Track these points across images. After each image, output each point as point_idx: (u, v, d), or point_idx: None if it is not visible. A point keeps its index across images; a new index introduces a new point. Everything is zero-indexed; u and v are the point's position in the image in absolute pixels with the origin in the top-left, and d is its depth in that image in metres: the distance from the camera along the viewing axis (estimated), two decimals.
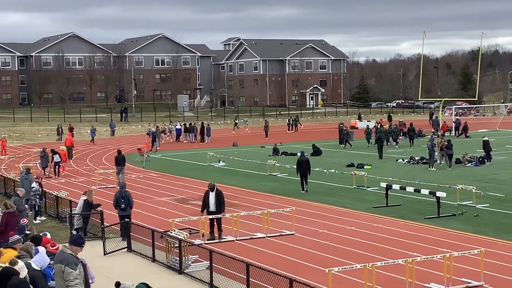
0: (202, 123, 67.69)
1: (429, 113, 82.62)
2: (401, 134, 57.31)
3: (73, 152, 48.74)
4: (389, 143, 52.25)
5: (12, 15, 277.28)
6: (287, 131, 72.45)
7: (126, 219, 21.21)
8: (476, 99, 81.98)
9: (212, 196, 21.82)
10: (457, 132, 61.46)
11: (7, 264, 10.11)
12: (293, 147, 52.09)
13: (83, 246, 11.22)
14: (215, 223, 21.77)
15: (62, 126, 66.96)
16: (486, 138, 41.31)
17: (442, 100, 79.59)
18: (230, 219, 21.90)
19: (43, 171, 38.95)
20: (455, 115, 73.82)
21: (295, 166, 32.08)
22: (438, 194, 24.69)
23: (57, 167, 38.71)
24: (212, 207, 21.78)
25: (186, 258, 17.92)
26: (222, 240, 21.43)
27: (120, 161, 35.16)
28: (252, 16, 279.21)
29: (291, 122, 75.60)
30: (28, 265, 11.02)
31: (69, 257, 10.58)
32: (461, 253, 17.08)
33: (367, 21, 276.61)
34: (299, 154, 35.50)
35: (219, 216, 21.64)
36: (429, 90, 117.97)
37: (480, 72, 79.48)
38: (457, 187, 27.47)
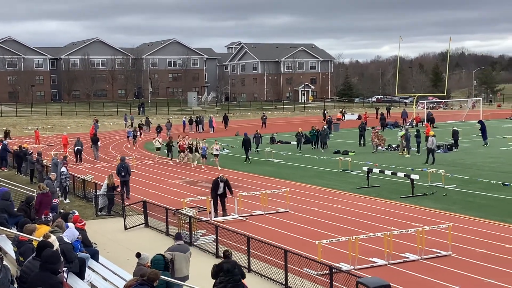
0: (225, 113, 70.22)
1: (376, 109, 78.25)
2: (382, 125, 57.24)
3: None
4: (316, 145, 42.76)
5: (49, 22, 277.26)
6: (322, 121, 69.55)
7: (144, 199, 21.19)
8: (445, 94, 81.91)
9: (221, 185, 21.71)
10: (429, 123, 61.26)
11: (41, 238, 10.12)
12: (288, 136, 52.00)
13: None
14: (218, 203, 21.72)
15: (149, 119, 65.95)
16: (455, 128, 41.26)
17: (415, 96, 79.55)
18: (233, 198, 21.94)
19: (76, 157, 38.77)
20: (427, 108, 73.60)
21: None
22: (412, 176, 24.68)
23: (78, 154, 38.48)
24: (221, 190, 21.67)
25: (196, 232, 17.96)
26: (227, 216, 21.46)
27: (94, 141, 40.71)
28: (254, 23, 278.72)
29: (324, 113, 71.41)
30: (60, 239, 11.03)
31: None
32: (431, 227, 17.14)
33: (352, 28, 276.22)
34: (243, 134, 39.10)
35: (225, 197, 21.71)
36: (404, 87, 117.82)
37: (448, 71, 79.26)
38: (429, 171, 27.49)
